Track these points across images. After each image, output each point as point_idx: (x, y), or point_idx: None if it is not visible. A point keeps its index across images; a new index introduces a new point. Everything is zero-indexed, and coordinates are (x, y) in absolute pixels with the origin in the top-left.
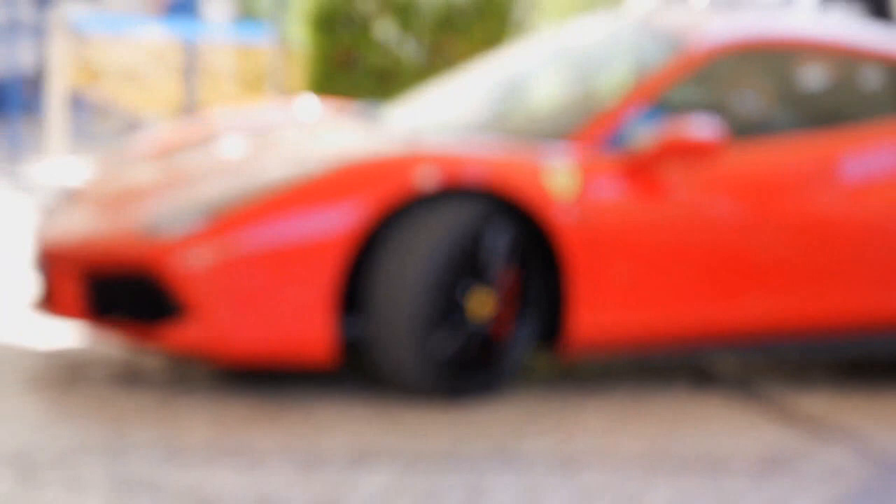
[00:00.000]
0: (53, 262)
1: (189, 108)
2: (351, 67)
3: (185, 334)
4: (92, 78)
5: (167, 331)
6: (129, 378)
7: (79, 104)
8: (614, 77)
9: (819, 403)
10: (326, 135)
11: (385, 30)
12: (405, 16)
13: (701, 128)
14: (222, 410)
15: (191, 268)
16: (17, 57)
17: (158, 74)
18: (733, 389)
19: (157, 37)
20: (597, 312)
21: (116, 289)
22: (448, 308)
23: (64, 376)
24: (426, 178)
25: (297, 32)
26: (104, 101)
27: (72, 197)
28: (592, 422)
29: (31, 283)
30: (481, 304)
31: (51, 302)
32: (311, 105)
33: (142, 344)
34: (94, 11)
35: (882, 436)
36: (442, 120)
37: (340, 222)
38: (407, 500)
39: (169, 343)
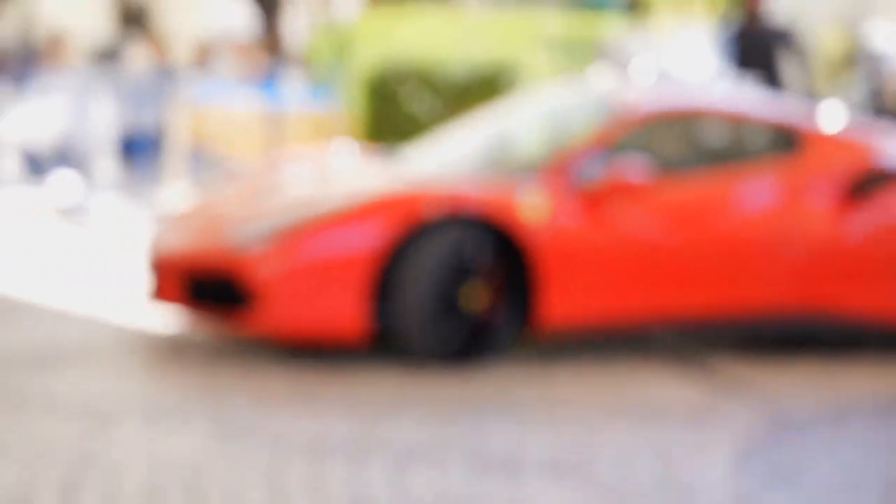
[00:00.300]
0: (164, 266)
1: (271, 155)
2: (392, 122)
3: (259, 320)
4: (199, 133)
5: (246, 318)
6: (220, 351)
7: (189, 150)
8: (576, 133)
9: (735, 367)
10: (361, 174)
11: (416, 94)
12: (430, 84)
13: (636, 172)
14: (292, 373)
15: (263, 272)
16: (143, 117)
17: (251, 128)
18: (668, 356)
19: (248, 101)
20: (561, 304)
21: (209, 286)
22: (451, 302)
23: (173, 349)
24: (434, 209)
25: (353, 96)
26: (208, 150)
27: (178, 218)
28: (566, 379)
29: (147, 281)
30: (477, 299)
31: (161, 295)
32: (352, 149)
33: (227, 327)
34: (205, 79)
35: (784, 391)
36: (447, 160)
37: (371, 240)
38: (428, 434)
39: (247, 327)
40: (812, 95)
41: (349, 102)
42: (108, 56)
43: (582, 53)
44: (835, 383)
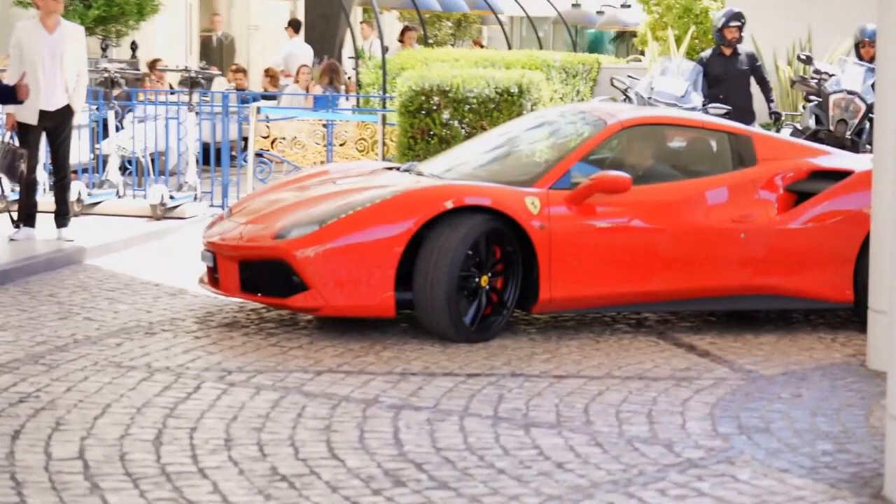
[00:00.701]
0: (218, 253)
1: (316, 162)
2: (425, 138)
3: (302, 299)
4: (271, 143)
5: (291, 298)
6: (279, 324)
7: (262, 160)
8: (566, 141)
9: (710, 342)
10: (388, 178)
11: (446, 114)
12: (457, 105)
13: (616, 175)
14: (341, 346)
15: (306, 258)
16: (228, 131)
17: (310, 142)
18: (656, 332)
19: (309, 117)
20: (555, 286)
21: (259, 270)
22: (464, 282)
23: (242, 321)
24: (451, 201)
25: (393, 116)
26: (278, 158)
27: (230, 211)
28: (570, 353)
29: (199, 267)
30: (484, 280)
31: (213, 279)
32: (379, 163)
33: (275, 306)
34: (274, 100)
35: (749, 360)
36: (463, 168)
37: (397, 229)
38: (459, 397)
39: (292, 305)
40: (777, 117)
41: (389, 119)
42: (196, 82)
43: (584, 81)
44: (792, 353)
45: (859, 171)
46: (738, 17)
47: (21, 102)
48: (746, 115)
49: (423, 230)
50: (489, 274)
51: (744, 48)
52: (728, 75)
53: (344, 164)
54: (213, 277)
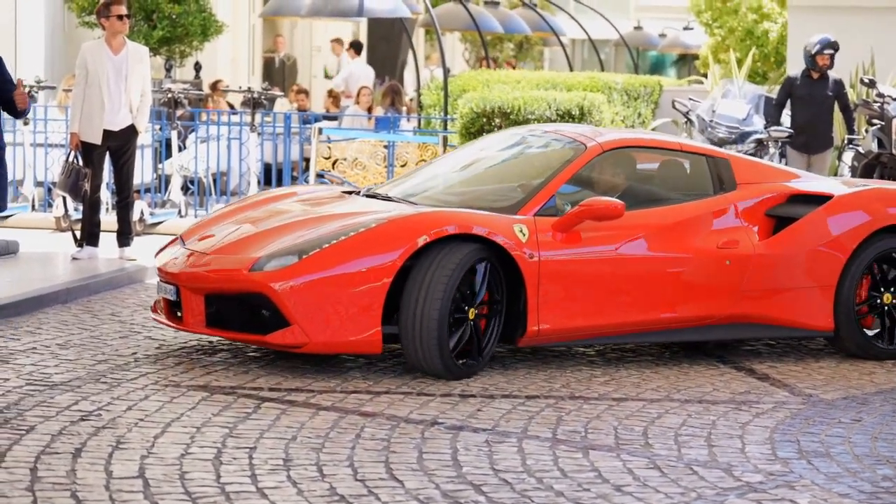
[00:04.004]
0: (181, 285)
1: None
2: None
3: (284, 336)
4: (332, 164)
5: (271, 335)
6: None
7: (323, 180)
8: (545, 164)
9: (770, 365)
10: (363, 205)
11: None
12: (516, 122)
13: (602, 200)
14: (400, 367)
15: (286, 291)
16: (289, 152)
17: (371, 163)
18: (715, 356)
19: (370, 140)
20: (543, 317)
21: (228, 304)
22: (454, 313)
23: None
24: (441, 230)
25: (455, 138)
26: (339, 178)
27: (182, 240)
28: (629, 376)
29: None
30: (472, 314)
31: (171, 312)
32: (339, 186)
33: (249, 343)
34: (336, 120)
35: (809, 384)
36: (428, 193)
37: (383, 261)
38: (518, 419)
39: (272, 342)
40: (855, 143)
41: (451, 140)
42: (258, 103)
43: (645, 103)
44: (852, 377)
45: (838, 195)
46: (833, 45)
47: (24, 112)
48: (825, 140)
49: (410, 259)
50: (475, 304)
51: (832, 74)
52: (813, 99)
53: (311, 186)
54: (171, 311)
